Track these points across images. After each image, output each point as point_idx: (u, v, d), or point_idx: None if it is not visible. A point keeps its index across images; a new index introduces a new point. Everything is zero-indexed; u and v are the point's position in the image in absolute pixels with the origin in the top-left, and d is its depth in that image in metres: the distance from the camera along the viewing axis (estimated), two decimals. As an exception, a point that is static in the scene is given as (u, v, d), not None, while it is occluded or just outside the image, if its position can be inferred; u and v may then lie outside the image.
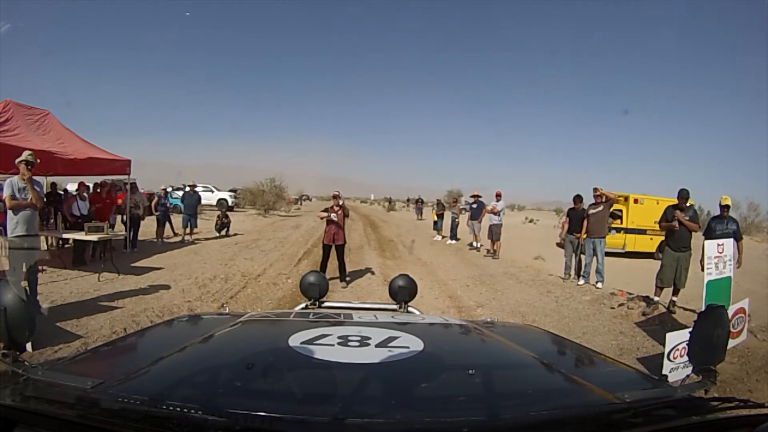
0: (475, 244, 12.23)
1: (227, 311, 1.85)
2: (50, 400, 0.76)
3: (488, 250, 11.22)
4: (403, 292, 1.87)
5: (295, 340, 1.03)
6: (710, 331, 0.92)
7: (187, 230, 11.50)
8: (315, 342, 1.03)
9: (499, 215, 10.87)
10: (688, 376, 0.95)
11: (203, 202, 29.00)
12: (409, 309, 1.83)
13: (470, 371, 0.91)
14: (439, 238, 14.88)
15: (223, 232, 12.92)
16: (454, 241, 13.92)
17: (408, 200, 46.42)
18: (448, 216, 15.28)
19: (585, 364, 1.29)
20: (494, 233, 10.74)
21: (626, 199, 12.85)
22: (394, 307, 1.86)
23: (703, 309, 0.99)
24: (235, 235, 13.36)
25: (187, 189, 12.00)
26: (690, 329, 0.98)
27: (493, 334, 1.34)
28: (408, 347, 1.01)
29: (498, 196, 11.10)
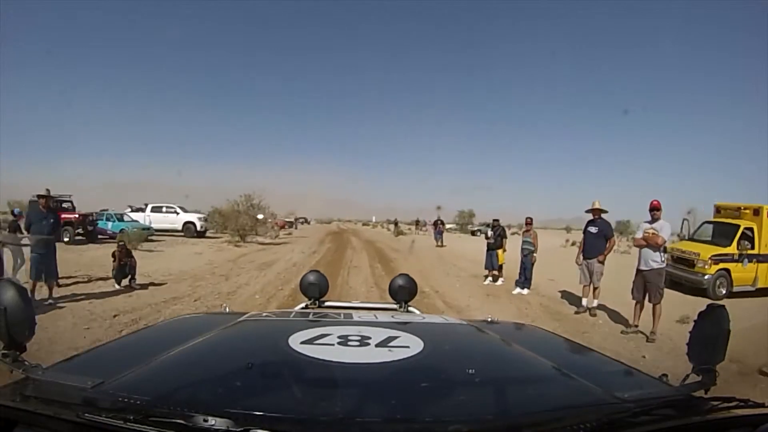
0: (587, 303, 6.53)
1: (227, 311, 1.76)
2: (50, 400, 0.77)
3: (630, 326, 5.58)
4: (403, 291, 1.86)
5: (295, 340, 1.04)
6: (710, 331, 0.90)
7: (42, 283, 5.88)
8: (315, 341, 1.04)
9: (661, 254, 5.27)
10: (688, 375, 0.92)
11: (164, 225, 22.98)
12: (409, 309, 1.84)
13: (470, 371, 0.92)
14: (490, 280, 9.25)
15: (126, 283, 7.20)
16: (526, 291, 8.27)
17: (417, 222, 40.15)
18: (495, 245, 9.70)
19: (585, 364, 1.28)
20: (652, 289, 5.13)
21: (757, 212, 8.49)
22: (395, 306, 1.86)
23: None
24: (151, 285, 7.77)
25: (36, 202, 6.52)
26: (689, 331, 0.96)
27: (493, 333, 1.34)
28: (408, 347, 1.02)
29: (656, 209, 5.47)
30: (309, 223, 71.33)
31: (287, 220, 40.55)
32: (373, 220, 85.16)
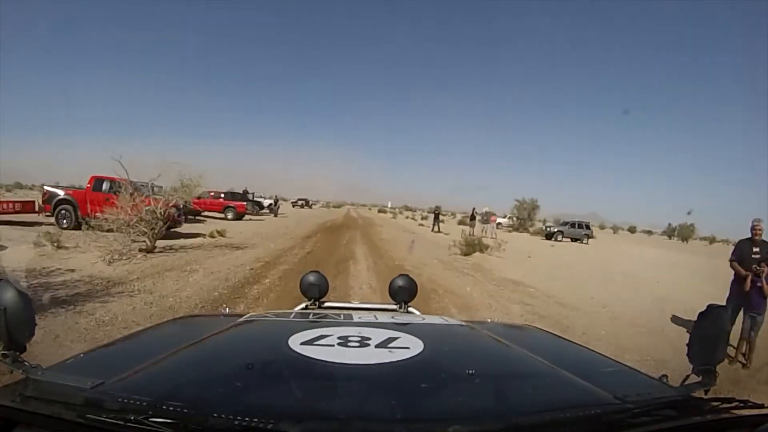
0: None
1: (227, 311, 1.79)
2: (50, 400, 0.76)
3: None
4: (403, 292, 1.85)
5: (295, 341, 1.03)
6: (710, 331, 0.90)
7: None
8: (315, 342, 1.03)
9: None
10: (688, 375, 0.92)
11: None
12: (409, 309, 1.83)
13: (470, 371, 0.91)
14: None
15: None
16: None
17: (473, 216, 24.10)
18: None
19: (585, 364, 1.26)
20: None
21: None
22: (395, 307, 1.85)
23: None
24: None
25: None
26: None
27: (493, 334, 1.33)
28: (408, 348, 1.02)
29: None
30: (310, 206, 56.04)
31: (261, 199, 25.81)
32: (389, 205, 75.49)
